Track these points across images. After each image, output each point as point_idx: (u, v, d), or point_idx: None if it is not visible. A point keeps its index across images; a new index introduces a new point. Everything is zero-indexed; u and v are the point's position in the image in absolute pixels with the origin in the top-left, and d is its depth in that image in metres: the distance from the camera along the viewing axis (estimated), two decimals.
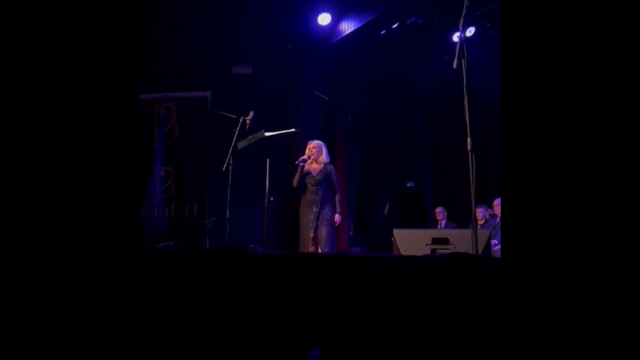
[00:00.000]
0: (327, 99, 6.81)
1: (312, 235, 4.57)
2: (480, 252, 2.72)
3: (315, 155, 4.75)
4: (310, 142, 4.86)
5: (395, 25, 6.61)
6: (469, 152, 3.00)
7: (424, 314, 1.77)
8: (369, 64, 7.24)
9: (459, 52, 2.87)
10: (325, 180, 4.70)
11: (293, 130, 4.96)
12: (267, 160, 4.70)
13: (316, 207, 4.62)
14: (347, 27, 6.54)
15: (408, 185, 8.19)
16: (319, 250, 4.57)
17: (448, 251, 2.80)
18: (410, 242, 3.02)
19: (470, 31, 6.50)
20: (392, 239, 3.12)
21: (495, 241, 5.65)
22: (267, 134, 4.64)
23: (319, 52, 6.83)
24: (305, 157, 4.74)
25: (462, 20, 2.93)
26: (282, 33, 6.44)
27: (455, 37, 6.50)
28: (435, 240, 2.94)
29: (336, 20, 6.60)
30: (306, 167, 4.74)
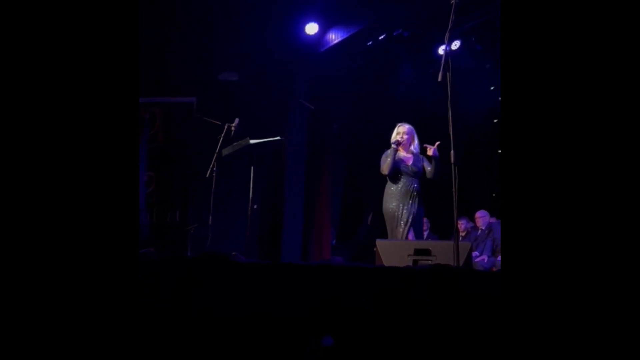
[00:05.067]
0: (313, 108, 6.83)
1: (405, 231, 3.91)
2: (461, 263, 2.74)
3: (407, 142, 4.12)
4: (399, 125, 4.20)
5: (382, 36, 6.68)
6: (452, 165, 3.03)
7: (404, 324, 1.77)
8: (355, 74, 7.28)
9: (444, 65, 2.90)
10: (420, 172, 4.05)
11: (278, 138, 4.94)
12: (252, 168, 4.68)
13: (413, 202, 3.97)
14: (334, 37, 6.59)
15: None
16: None
17: (430, 262, 2.81)
18: (393, 252, 3.03)
19: (456, 45, 6.59)
20: (375, 249, 3.12)
21: (477, 253, 5.70)
22: (252, 141, 4.63)
23: (305, 61, 6.85)
24: (399, 139, 4.05)
25: (447, 33, 2.96)
26: (269, 41, 6.46)
27: (441, 50, 6.58)
28: (418, 252, 2.95)
29: (323, 30, 6.64)
30: (397, 154, 4.08)
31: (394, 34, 6.64)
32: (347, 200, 7.81)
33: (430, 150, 3.88)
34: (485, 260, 5.61)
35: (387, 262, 2.98)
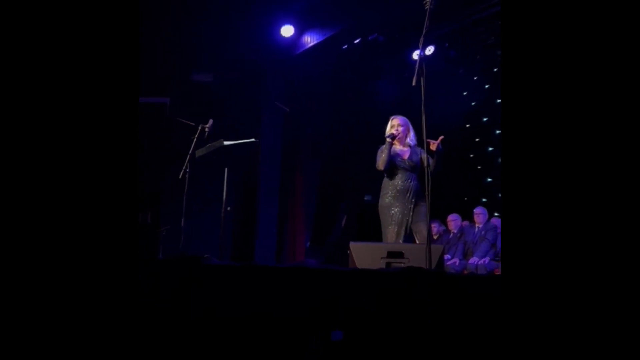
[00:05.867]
0: (288, 110, 6.83)
1: (402, 231, 3.63)
2: (433, 266, 2.77)
3: (403, 134, 3.83)
4: (393, 117, 3.92)
5: (357, 40, 6.72)
6: (426, 169, 3.06)
7: (377, 327, 1.78)
8: (330, 77, 7.31)
9: (418, 70, 2.93)
10: (418, 165, 3.75)
11: (253, 140, 4.90)
12: (225, 169, 4.64)
13: (413, 197, 3.67)
14: (310, 40, 6.60)
15: (366, 198, 8.26)
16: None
17: (402, 265, 2.83)
18: (366, 255, 3.04)
19: (430, 50, 6.67)
20: (349, 251, 3.13)
21: (449, 256, 5.77)
22: (226, 143, 4.59)
23: (281, 64, 6.85)
24: (394, 132, 3.80)
25: (422, 39, 3.00)
26: (244, 42, 6.43)
27: (415, 55, 6.65)
28: (391, 254, 2.97)
29: (299, 32, 6.65)
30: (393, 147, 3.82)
31: (369, 38, 6.70)
32: (321, 203, 7.82)
33: (434, 146, 3.59)
34: (457, 264, 5.69)
35: (360, 264, 2.99)
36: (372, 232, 7.93)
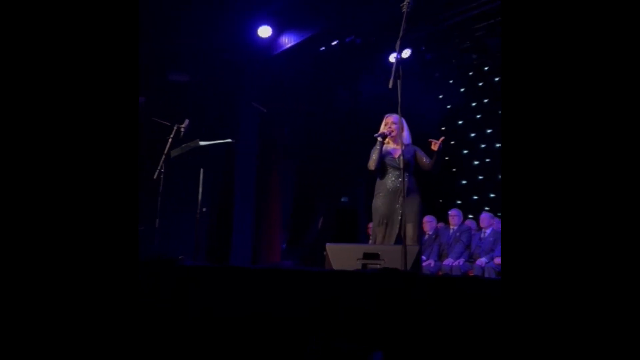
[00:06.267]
0: (265, 110, 6.80)
1: (393, 232, 3.52)
2: (409, 267, 2.79)
3: (396, 133, 3.71)
4: (387, 115, 3.83)
5: (335, 42, 6.74)
6: (401, 170, 3.09)
7: (352, 328, 1.79)
8: (308, 78, 7.31)
9: (394, 73, 2.95)
10: (411, 163, 3.66)
11: (229, 140, 4.86)
12: (201, 170, 4.60)
13: (402, 198, 3.51)
14: (288, 41, 6.60)
15: (342, 199, 8.29)
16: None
17: (378, 266, 2.84)
18: (343, 256, 3.05)
19: (407, 53, 6.73)
20: (325, 253, 3.13)
21: (424, 257, 5.83)
22: (201, 143, 4.55)
23: (258, 64, 6.83)
24: (385, 131, 3.70)
25: (398, 42, 3.02)
26: (221, 42, 6.39)
27: (392, 58, 6.71)
28: (367, 255, 2.98)
29: (277, 33, 6.63)
30: (384, 147, 3.72)
31: (347, 40, 6.72)
32: (297, 204, 7.81)
33: (436, 146, 3.54)
34: (432, 265, 5.75)
35: (336, 265, 3.00)
36: (349, 233, 8.00)
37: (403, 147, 3.64)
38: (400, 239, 3.46)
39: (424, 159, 3.70)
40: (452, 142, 7.59)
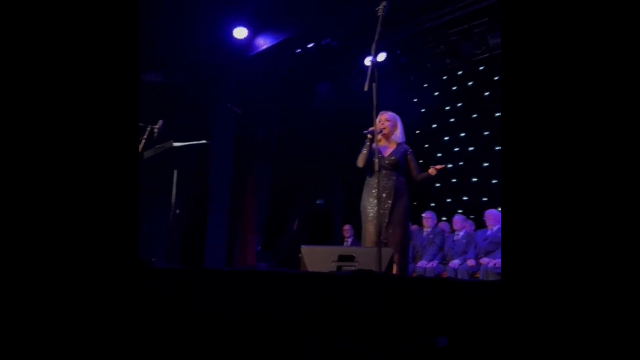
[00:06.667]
0: (240, 112, 6.77)
1: (380, 232, 3.38)
2: (383, 269, 2.81)
3: (388, 131, 3.65)
4: (382, 112, 3.70)
5: (311, 45, 6.75)
6: (376, 172, 3.10)
7: (327, 330, 1.78)
8: (283, 80, 7.30)
9: (370, 76, 2.96)
10: (401, 163, 3.58)
11: (204, 141, 4.81)
12: (175, 171, 4.55)
13: (390, 199, 3.46)
14: (263, 42, 6.58)
15: (317, 202, 8.30)
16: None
17: (353, 268, 2.85)
18: (318, 258, 3.04)
19: (382, 56, 6.78)
20: (300, 255, 3.13)
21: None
22: (175, 144, 4.49)
23: (234, 65, 6.79)
24: (375, 128, 3.44)
25: (374, 45, 3.04)
26: (196, 43, 6.33)
27: (367, 61, 6.75)
28: (342, 257, 2.98)
29: (253, 35, 6.61)
30: (374, 144, 3.53)
31: (322, 43, 6.74)
32: (273, 206, 7.79)
33: (434, 172, 3.55)
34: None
35: (311, 267, 2.99)
36: (324, 235, 8.00)
37: (395, 146, 3.61)
38: (389, 240, 3.43)
39: (414, 169, 3.65)
40: (426, 146, 7.67)
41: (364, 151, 3.53)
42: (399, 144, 3.65)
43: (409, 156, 3.63)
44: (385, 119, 3.66)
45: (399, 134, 3.69)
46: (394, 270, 3.32)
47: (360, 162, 3.56)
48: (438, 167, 3.53)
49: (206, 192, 6.62)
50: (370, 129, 3.43)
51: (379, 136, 3.60)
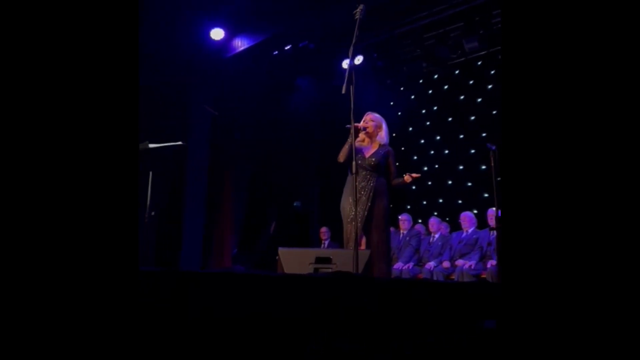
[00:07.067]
0: (217, 113, 6.72)
1: (360, 233, 3.33)
2: (360, 271, 2.82)
3: (372, 130, 3.62)
4: (368, 113, 3.71)
5: (288, 47, 6.75)
6: (354, 175, 3.12)
7: (305, 332, 1.79)
8: (260, 81, 7.28)
9: (347, 78, 2.98)
10: (382, 165, 3.55)
11: (179, 143, 4.77)
12: (150, 173, 4.49)
13: (368, 200, 3.44)
14: (241, 44, 6.55)
15: (295, 204, 8.29)
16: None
17: (330, 270, 2.86)
18: (295, 260, 3.04)
19: (359, 59, 6.82)
20: (277, 257, 3.12)
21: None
22: (151, 145, 4.44)
23: (210, 66, 6.74)
24: (359, 125, 3.52)
25: (351, 48, 3.06)
26: (172, 44, 6.27)
27: (345, 64, 6.78)
28: (319, 260, 2.99)
29: (229, 36, 6.57)
30: (357, 143, 3.49)
31: (300, 45, 6.75)
32: (250, 209, 7.75)
33: (408, 180, 3.54)
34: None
35: (288, 270, 2.99)
36: (302, 237, 7.99)
37: (378, 147, 3.58)
38: (369, 241, 3.43)
39: (392, 173, 3.63)
40: (403, 148, 7.73)
41: (346, 146, 3.48)
42: (382, 145, 3.63)
43: (389, 159, 3.61)
44: (370, 119, 3.65)
45: (383, 135, 3.66)
46: (377, 272, 3.34)
47: (341, 157, 3.50)
48: (414, 175, 3.53)
49: (182, 194, 6.55)
50: (354, 124, 3.32)
51: (362, 135, 3.59)
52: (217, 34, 6.46)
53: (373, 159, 3.53)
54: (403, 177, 3.58)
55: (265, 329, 1.79)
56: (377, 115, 3.71)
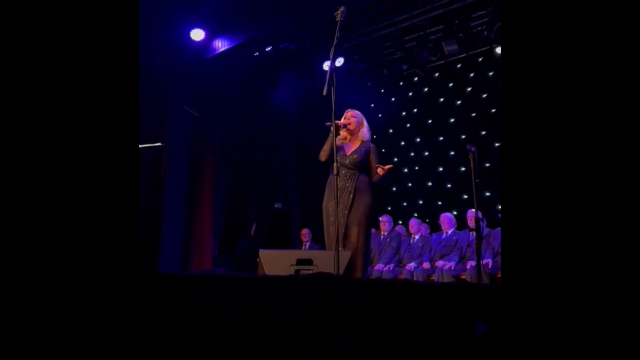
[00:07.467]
0: (197, 114, 6.67)
1: (341, 232, 3.27)
2: (341, 272, 2.83)
3: (353, 127, 3.56)
4: (348, 110, 3.65)
5: (269, 48, 6.74)
6: (335, 177, 3.12)
7: (288, 334, 1.78)
8: (241, 83, 7.25)
9: (328, 80, 2.99)
10: (364, 162, 3.49)
11: (159, 144, 4.71)
12: None
13: (350, 199, 3.39)
14: (221, 45, 6.52)
15: (275, 206, 8.27)
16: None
17: (311, 271, 2.86)
18: (276, 262, 3.03)
19: (340, 61, 6.84)
20: (258, 259, 3.11)
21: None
22: None
23: (190, 67, 6.69)
24: (340, 122, 3.46)
25: (332, 50, 3.07)
26: (151, 44, 6.20)
27: (326, 66, 6.79)
28: (300, 261, 2.99)
29: (210, 37, 6.53)
30: (338, 141, 3.48)
31: (281, 46, 6.74)
32: (230, 210, 7.70)
33: (382, 171, 3.43)
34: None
35: (269, 271, 2.98)
36: (282, 239, 7.97)
37: (359, 144, 3.53)
38: (349, 240, 3.37)
39: (373, 168, 3.53)
40: (383, 150, 7.77)
41: (326, 146, 3.44)
42: (364, 142, 3.57)
43: (371, 155, 3.54)
44: (351, 115, 3.59)
45: (365, 132, 3.61)
46: (358, 272, 3.35)
47: (322, 156, 3.46)
48: (386, 167, 3.45)
49: (162, 195, 6.48)
50: (335, 122, 3.26)
51: (344, 132, 3.54)
52: (197, 34, 6.41)
53: (355, 156, 3.48)
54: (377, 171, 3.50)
55: (264, 329, 1.79)
56: (357, 112, 3.67)
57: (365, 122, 3.64)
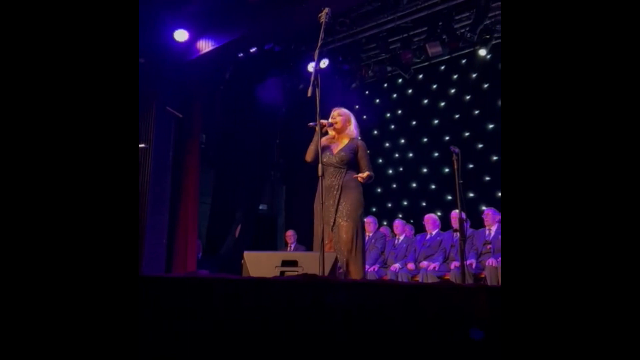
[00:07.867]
0: (180, 116, 6.62)
1: (331, 231, 3.27)
2: (327, 273, 2.83)
3: (340, 125, 3.51)
4: (335, 109, 3.59)
5: (254, 49, 6.72)
6: (320, 178, 3.12)
7: (273, 335, 1.78)
8: (226, 84, 7.22)
9: (313, 82, 2.99)
10: (351, 160, 3.44)
11: (142, 145, 4.67)
12: None
13: (337, 197, 3.33)
14: (205, 45, 6.48)
15: (260, 207, 8.25)
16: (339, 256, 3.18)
17: (297, 273, 2.85)
18: (261, 264, 3.02)
19: (325, 63, 6.85)
20: (243, 261, 3.10)
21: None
22: None
23: (174, 68, 6.63)
24: (324, 121, 3.36)
25: (317, 51, 3.07)
26: None
27: (310, 67, 6.80)
28: (285, 263, 2.98)
29: (194, 37, 6.49)
30: (324, 140, 3.41)
31: (265, 47, 6.73)
32: (214, 212, 7.66)
33: (361, 180, 3.42)
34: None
35: (254, 273, 2.97)
36: (268, 241, 7.95)
37: (347, 141, 3.50)
38: (337, 238, 3.34)
39: (361, 165, 3.49)
40: (368, 152, 7.79)
41: (312, 146, 3.42)
42: (351, 139, 3.54)
43: (359, 152, 3.49)
44: (337, 114, 3.56)
45: (352, 129, 3.58)
46: (352, 272, 3.34)
47: (308, 157, 3.45)
48: (364, 175, 3.43)
49: (145, 197, 6.42)
50: (319, 121, 3.25)
51: (331, 131, 3.51)
52: (181, 35, 6.37)
53: (342, 154, 3.45)
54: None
55: (249, 331, 1.78)
56: (344, 110, 3.63)
57: (353, 119, 3.61)
